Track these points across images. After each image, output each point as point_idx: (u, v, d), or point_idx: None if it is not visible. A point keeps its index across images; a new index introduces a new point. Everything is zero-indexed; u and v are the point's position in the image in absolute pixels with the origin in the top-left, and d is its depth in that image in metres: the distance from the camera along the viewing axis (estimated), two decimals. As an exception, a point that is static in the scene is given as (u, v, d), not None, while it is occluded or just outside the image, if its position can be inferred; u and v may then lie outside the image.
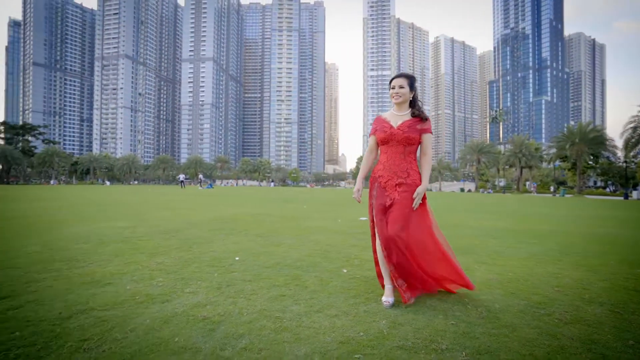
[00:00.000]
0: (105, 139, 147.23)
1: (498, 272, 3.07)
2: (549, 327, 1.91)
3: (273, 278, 2.78)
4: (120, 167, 77.50)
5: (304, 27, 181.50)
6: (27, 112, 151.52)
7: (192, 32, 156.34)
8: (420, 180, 2.26)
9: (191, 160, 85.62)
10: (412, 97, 2.28)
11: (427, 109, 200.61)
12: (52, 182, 62.70)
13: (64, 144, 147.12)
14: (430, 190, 61.30)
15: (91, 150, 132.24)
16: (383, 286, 2.37)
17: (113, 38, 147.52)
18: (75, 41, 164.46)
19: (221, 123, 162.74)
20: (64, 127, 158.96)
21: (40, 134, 76.62)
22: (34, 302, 2.12)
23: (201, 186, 38.04)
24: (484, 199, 22.50)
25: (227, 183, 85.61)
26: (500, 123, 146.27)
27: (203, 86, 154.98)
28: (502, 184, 57.25)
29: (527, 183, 52.21)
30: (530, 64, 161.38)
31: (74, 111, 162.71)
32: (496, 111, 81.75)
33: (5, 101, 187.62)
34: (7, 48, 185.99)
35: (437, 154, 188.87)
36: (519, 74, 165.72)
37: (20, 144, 69.13)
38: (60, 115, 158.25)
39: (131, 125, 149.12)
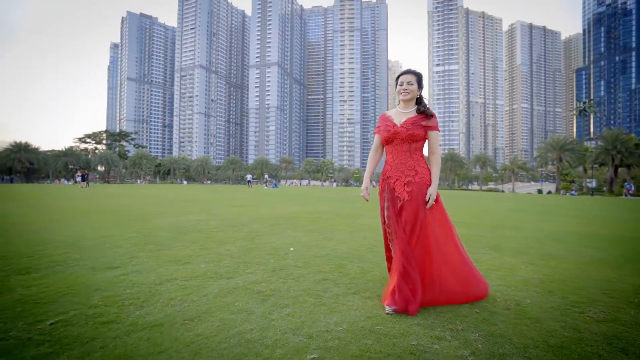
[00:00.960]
0: (183, 142, 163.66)
1: (545, 273, 3.03)
2: (576, 323, 1.93)
3: (320, 266, 3.14)
4: (196, 168, 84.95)
5: (365, 26, 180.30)
6: (122, 120, 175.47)
7: (258, 39, 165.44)
8: (430, 177, 2.21)
9: (258, 161, 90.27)
10: (419, 95, 2.31)
11: (500, 104, 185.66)
12: (139, 181, 71.59)
13: (150, 148, 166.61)
14: (502, 191, 56.66)
15: (171, 153, 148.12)
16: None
17: (190, 50, 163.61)
18: (159, 56, 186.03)
19: (286, 125, 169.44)
20: (150, 132, 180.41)
21: (132, 139, 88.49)
22: (136, 272, 2.81)
23: (266, 186, 40.23)
24: (562, 201, 20.31)
25: (291, 183, 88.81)
26: (591, 116, 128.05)
27: (269, 90, 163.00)
28: (591, 184, 50.48)
29: (626, 184, 45.36)
30: (633, 44, 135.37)
31: (157, 118, 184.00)
32: (585, 102, 71.67)
33: (106, 112, 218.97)
34: (108, 67, 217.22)
35: (513, 152, 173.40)
36: (617, 58, 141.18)
37: (117, 148, 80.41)
38: (147, 122, 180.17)
39: (205, 129, 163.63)
